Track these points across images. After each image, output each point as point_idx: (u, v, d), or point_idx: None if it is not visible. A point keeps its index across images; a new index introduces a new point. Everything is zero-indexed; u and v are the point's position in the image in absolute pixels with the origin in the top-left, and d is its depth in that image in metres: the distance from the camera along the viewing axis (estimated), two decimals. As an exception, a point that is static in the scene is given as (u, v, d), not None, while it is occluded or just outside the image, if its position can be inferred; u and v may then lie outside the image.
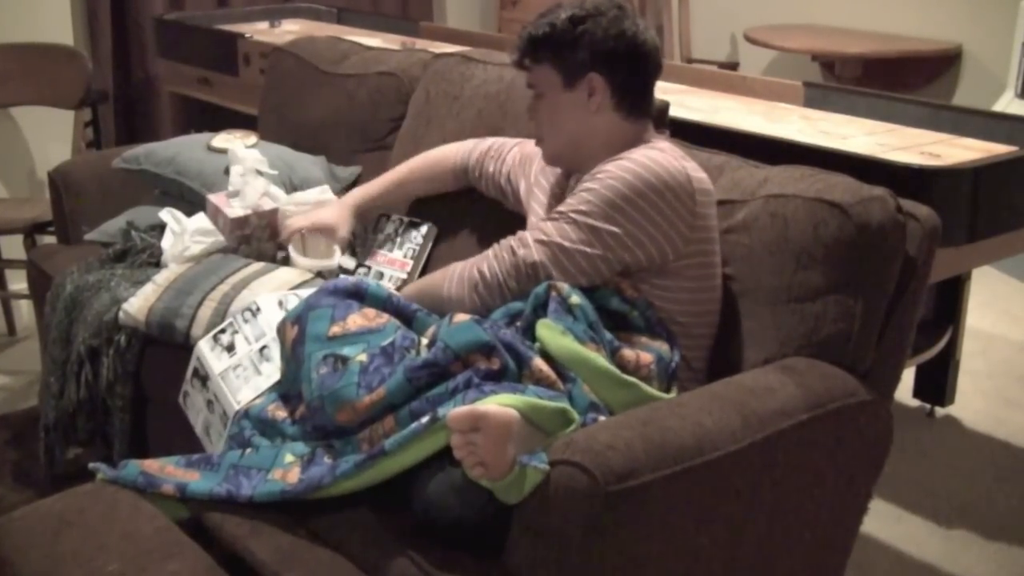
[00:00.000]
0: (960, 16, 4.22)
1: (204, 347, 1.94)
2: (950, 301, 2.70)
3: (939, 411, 2.92)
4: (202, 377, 1.91)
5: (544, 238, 1.74)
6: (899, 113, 2.58)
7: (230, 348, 1.90)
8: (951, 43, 4.23)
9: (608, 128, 1.82)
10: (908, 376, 2.77)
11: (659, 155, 1.74)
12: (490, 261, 1.78)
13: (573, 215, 1.72)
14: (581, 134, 1.83)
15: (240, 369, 1.86)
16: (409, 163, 2.31)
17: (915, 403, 2.91)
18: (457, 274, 1.81)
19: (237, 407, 1.80)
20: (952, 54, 4.24)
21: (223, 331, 1.95)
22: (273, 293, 1.99)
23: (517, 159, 2.12)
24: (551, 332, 1.62)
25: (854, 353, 1.70)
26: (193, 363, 1.95)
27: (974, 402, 3.01)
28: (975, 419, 2.93)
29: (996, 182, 2.15)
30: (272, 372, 1.82)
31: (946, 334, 2.67)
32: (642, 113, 1.84)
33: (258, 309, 1.92)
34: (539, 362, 1.58)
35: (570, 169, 1.91)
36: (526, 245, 1.75)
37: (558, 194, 1.93)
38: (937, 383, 2.81)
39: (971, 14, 4.20)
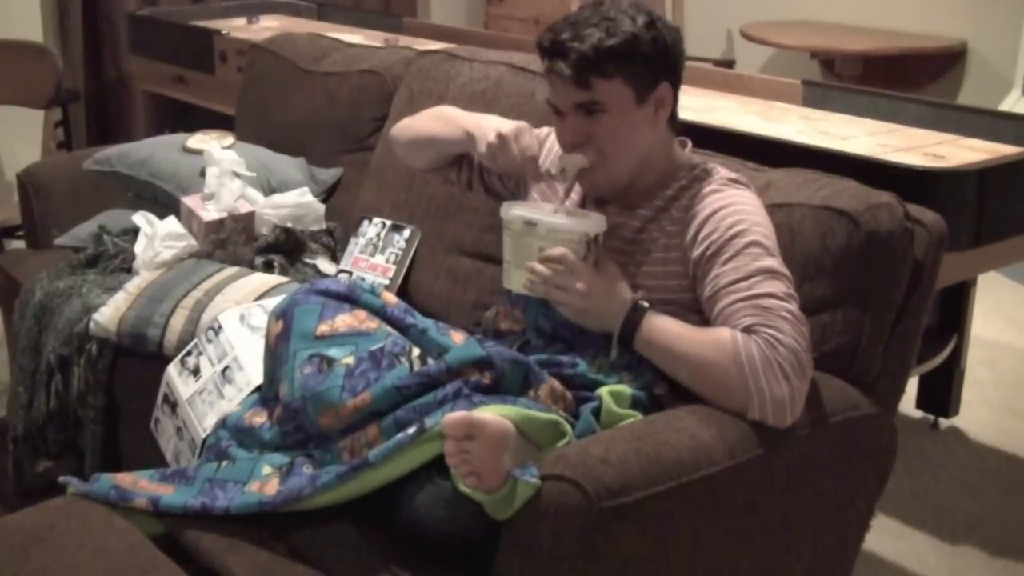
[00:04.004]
0: (965, 12, 4.25)
1: (172, 372, 1.93)
2: (955, 308, 2.68)
3: (943, 422, 2.90)
4: (172, 403, 1.91)
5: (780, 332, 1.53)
6: (902, 113, 2.55)
7: (196, 371, 1.89)
8: (955, 40, 4.25)
9: (665, 143, 1.72)
10: (911, 386, 2.75)
11: (752, 198, 1.67)
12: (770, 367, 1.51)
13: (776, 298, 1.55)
14: (648, 153, 1.69)
15: (205, 394, 1.85)
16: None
17: (918, 414, 2.89)
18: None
19: (204, 435, 1.78)
20: (957, 51, 4.26)
21: (189, 353, 1.94)
22: (235, 308, 1.98)
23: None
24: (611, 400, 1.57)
25: (860, 365, 1.69)
26: (163, 388, 1.94)
27: (979, 413, 2.99)
28: (980, 431, 2.91)
29: (1002, 184, 2.14)
30: (234, 395, 1.80)
31: (950, 343, 2.65)
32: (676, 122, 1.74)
33: (220, 327, 1.91)
34: (554, 383, 1.55)
35: (616, 195, 1.74)
36: (779, 342, 1.51)
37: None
38: (941, 393, 2.79)
39: (976, 10, 4.23)
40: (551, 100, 1.67)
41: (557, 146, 1.85)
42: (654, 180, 1.71)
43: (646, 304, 1.60)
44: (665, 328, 1.59)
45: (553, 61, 1.63)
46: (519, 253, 1.65)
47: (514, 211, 1.66)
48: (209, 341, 1.90)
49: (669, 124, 1.71)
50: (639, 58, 1.62)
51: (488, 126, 1.75)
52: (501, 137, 1.70)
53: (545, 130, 1.92)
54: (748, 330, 1.53)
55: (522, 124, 1.73)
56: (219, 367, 1.86)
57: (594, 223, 1.65)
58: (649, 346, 1.59)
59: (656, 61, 1.64)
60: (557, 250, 1.61)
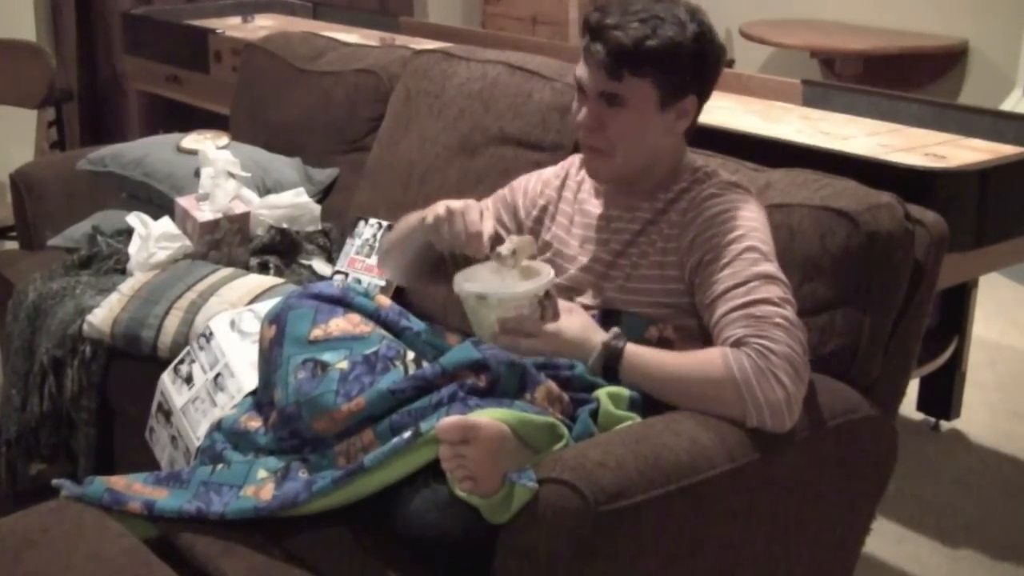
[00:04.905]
0: (966, 11, 4.25)
1: (166, 380, 1.93)
2: (956, 310, 2.67)
3: (944, 425, 2.88)
4: (166, 412, 1.91)
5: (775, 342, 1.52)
6: (902, 112, 2.55)
7: (189, 379, 1.89)
8: (957, 39, 4.26)
9: (676, 149, 1.72)
10: (912, 388, 2.72)
11: (751, 202, 1.66)
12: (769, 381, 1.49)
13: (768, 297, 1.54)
14: (657, 155, 1.69)
15: (198, 402, 1.84)
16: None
17: (919, 417, 2.88)
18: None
19: (198, 443, 1.77)
20: (958, 50, 4.26)
21: (182, 361, 1.93)
22: (226, 313, 1.97)
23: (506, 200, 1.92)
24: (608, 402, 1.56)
25: (859, 367, 1.68)
26: (157, 397, 1.94)
27: (980, 415, 2.97)
28: (982, 433, 2.90)
29: (1004, 185, 2.13)
30: (226, 402, 1.79)
31: (951, 344, 2.64)
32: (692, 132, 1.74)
33: (211, 334, 1.90)
34: (551, 385, 1.54)
35: (619, 196, 1.74)
36: (771, 351, 1.51)
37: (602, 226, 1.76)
38: (942, 396, 2.78)
39: (977, 8, 4.23)
40: (580, 76, 1.66)
41: (540, 186, 1.84)
42: (657, 182, 1.71)
43: (620, 344, 1.58)
44: (646, 361, 1.58)
45: (592, 42, 1.62)
46: (478, 325, 1.64)
47: (456, 286, 1.65)
48: (201, 348, 1.90)
49: (688, 133, 1.71)
50: (675, 67, 1.60)
51: (440, 203, 1.72)
52: (449, 210, 1.67)
53: (534, 176, 1.88)
54: (739, 342, 1.52)
55: (471, 202, 1.70)
56: (211, 374, 1.85)
57: (541, 281, 1.64)
58: (633, 378, 1.58)
59: (691, 75, 1.62)
60: (513, 320, 1.60)
